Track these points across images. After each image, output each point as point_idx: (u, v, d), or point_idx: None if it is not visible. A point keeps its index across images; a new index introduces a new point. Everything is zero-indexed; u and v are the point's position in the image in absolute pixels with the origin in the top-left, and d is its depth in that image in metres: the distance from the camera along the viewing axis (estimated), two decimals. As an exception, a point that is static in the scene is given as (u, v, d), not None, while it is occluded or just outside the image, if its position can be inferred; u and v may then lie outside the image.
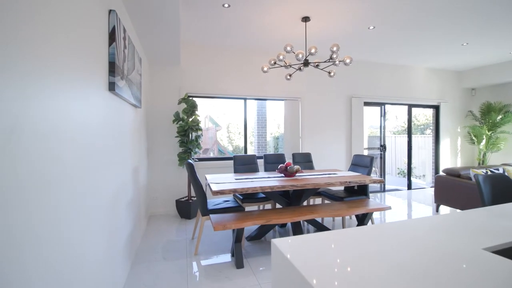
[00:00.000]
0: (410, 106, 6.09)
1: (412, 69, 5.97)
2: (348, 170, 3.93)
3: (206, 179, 3.15)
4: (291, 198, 3.16)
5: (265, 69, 3.58)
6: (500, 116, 5.79)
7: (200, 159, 4.45)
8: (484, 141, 5.88)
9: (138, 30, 3.02)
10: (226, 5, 3.19)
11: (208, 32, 3.96)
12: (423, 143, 7.53)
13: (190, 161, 2.80)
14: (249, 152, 5.03)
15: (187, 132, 3.86)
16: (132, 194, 2.70)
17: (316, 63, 3.56)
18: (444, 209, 4.42)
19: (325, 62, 3.44)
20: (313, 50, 3.10)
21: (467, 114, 6.48)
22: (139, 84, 3.01)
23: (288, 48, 3.12)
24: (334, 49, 3.11)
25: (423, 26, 3.87)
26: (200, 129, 3.98)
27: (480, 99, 6.44)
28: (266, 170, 3.97)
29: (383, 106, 5.81)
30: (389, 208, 3.05)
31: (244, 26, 3.75)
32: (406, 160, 6.29)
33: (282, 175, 3.29)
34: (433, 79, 6.16)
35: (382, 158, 5.87)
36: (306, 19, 3.51)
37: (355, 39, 4.21)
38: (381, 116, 5.83)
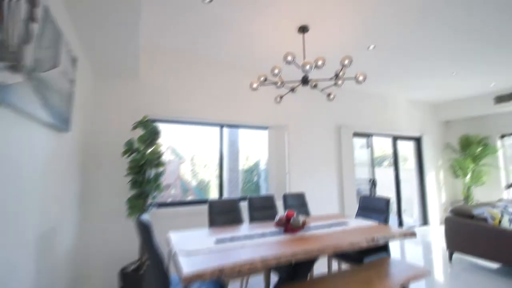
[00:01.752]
0: (395, 138, 5.75)
1: (395, 100, 5.73)
2: (356, 216, 3.12)
3: (170, 241, 2.04)
4: (297, 268, 2.18)
5: (255, 86, 2.77)
6: (480, 148, 5.71)
7: (161, 204, 3.29)
8: (469, 175, 5.67)
9: (77, 20, 2.03)
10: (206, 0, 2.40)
11: (179, 36, 3.08)
12: (405, 176, 7.22)
13: (144, 218, 1.70)
14: (217, 190, 4.00)
15: (143, 168, 2.75)
16: (32, 281, 1.50)
17: (314, 83, 2.87)
18: (459, 257, 3.78)
19: (331, 79, 2.75)
20: (320, 63, 2.40)
21: (446, 146, 6.37)
22: (68, 95, 1.95)
23: (289, 58, 2.38)
24: (346, 62, 2.44)
25: (416, 53, 3.55)
26: (162, 164, 2.90)
27: (455, 132, 6.42)
28: (252, 219, 2.96)
29: (370, 137, 5.34)
30: (428, 273, 2.24)
31: (226, 31, 2.97)
32: (394, 195, 5.78)
33: (281, 229, 2.33)
34: (414, 111, 5.99)
35: (373, 195, 5.26)
36: (303, 29, 2.86)
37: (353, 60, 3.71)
38: (367, 147, 5.34)
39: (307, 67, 2.31)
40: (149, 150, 2.83)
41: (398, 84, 4.88)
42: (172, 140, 6.34)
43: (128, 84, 3.24)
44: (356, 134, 5.07)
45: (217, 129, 3.88)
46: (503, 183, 5.64)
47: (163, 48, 3.38)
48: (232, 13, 2.61)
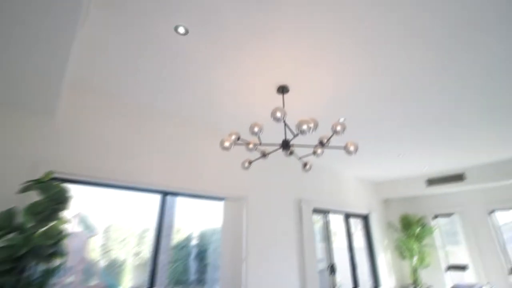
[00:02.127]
0: (347, 215, 5.56)
1: (346, 176, 5.78)
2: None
3: None
4: None
5: (227, 144, 2.14)
6: (419, 228, 5.91)
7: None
8: (416, 256, 5.65)
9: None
10: (181, 30, 1.87)
11: (128, 73, 2.38)
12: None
13: None
14: (143, 274, 2.77)
15: (22, 261, 1.58)
16: None
17: (291, 150, 2.42)
18: None
19: (316, 146, 2.33)
20: (307, 126, 1.96)
21: (388, 225, 6.48)
22: None
23: (279, 115, 1.89)
24: (338, 128, 2.09)
25: (373, 133, 3.67)
26: (62, 255, 1.76)
27: (395, 210, 6.70)
28: None
29: (327, 214, 5.00)
30: None
31: (193, 77, 2.42)
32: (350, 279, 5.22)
33: None
34: (361, 188, 6.11)
35: (332, 283, 4.59)
36: (283, 89, 2.55)
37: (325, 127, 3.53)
38: (326, 227, 4.92)
39: (304, 127, 1.85)
40: (43, 229, 1.71)
41: (350, 160, 4.93)
42: (83, 205, 4.79)
43: (35, 121, 2.21)
44: (316, 211, 4.66)
45: (158, 196, 2.92)
46: (443, 264, 5.77)
47: (102, 87, 2.58)
48: (205, 54, 2.13)
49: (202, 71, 2.33)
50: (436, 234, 5.95)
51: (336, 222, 5.44)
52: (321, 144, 2.34)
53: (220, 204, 3.51)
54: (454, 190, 5.77)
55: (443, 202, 6.09)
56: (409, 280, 5.92)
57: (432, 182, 5.82)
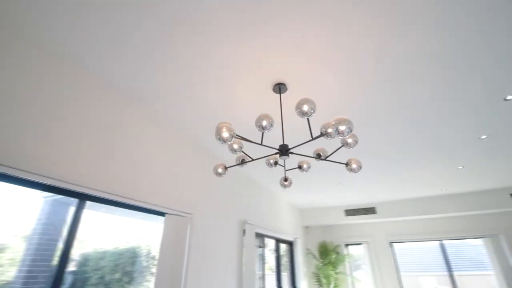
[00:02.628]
0: (277, 241, 5.35)
1: (282, 200, 5.65)
2: None
3: None
4: None
5: (220, 170, 1.63)
6: (334, 256, 6.25)
7: None
8: (332, 284, 5.86)
9: None
10: None
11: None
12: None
13: None
14: None
15: None
16: None
17: (284, 159, 2.01)
18: None
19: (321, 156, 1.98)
20: (329, 130, 1.64)
21: (307, 252, 6.63)
22: None
23: (265, 123, 1.54)
24: (349, 141, 1.82)
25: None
26: None
27: (314, 238, 6.96)
28: None
29: (263, 239, 4.63)
30: None
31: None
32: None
33: None
34: (290, 213, 6.09)
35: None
36: (280, 87, 2.16)
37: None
38: (262, 252, 4.52)
39: (305, 107, 1.46)
40: None
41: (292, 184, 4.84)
42: None
43: None
44: (257, 235, 4.23)
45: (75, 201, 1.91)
46: (351, 291, 6.20)
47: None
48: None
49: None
50: (347, 261, 6.42)
51: (269, 247, 5.13)
52: (319, 156, 2.03)
53: (145, 221, 2.66)
54: (366, 221, 6.46)
55: (355, 232, 6.73)
56: (322, 308, 6.06)
57: (349, 212, 6.38)
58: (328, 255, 6.23)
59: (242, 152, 1.95)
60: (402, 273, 5.98)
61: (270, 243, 5.15)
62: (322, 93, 2.27)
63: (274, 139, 3.07)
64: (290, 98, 2.30)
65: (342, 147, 1.89)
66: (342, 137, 1.41)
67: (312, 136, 1.62)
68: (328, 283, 5.85)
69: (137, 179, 2.28)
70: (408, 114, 2.64)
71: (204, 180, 3.17)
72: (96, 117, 2.07)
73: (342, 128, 1.40)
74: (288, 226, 5.72)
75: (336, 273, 5.98)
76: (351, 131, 1.38)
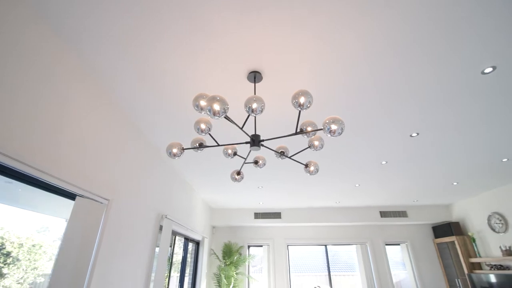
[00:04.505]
0: (186, 239, 5.01)
1: (197, 197, 5.33)
2: None
3: None
4: None
5: (175, 150, 1.40)
6: (236, 256, 6.36)
7: None
8: (232, 284, 5.88)
9: None
10: None
11: None
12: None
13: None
14: None
15: None
16: None
17: (249, 154, 1.91)
18: None
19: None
20: (309, 128, 1.66)
21: (211, 252, 6.50)
22: None
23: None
24: (334, 128, 1.87)
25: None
26: None
27: (218, 238, 6.90)
28: None
29: (174, 237, 4.22)
30: None
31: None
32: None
33: None
34: (202, 212, 5.84)
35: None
36: (256, 76, 2.04)
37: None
38: (172, 251, 4.09)
39: (302, 99, 1.45)
40: None
41: (211, 179, 4.67)
42: None
43: None
44: (172, 233, 3.80)
45: None
46: (246, 291, 6.41)
47: None
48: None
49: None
50: (247, 262, 6.64)
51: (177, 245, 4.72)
52: (282, 153, 2.00)
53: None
54: (271, 225, 6.89)
55: (260, 234, 7.06)
56: (217, 309, 6.00)
57: (258, 215, 6.67)
58: (231, 255, 6.28)
59: (209, 134, 1.70)
60: (292, 273, 6.66)
61: (179, 241, 4.75)
62: (299, 85, 2.19)
63: (240, 132, 2.84)
64: (265, 88, 2.20)
65: (307, 149, 1.92)
66: (332, 136, 1.42)
67: (297, 130, 1.57)
68: (229, 284, 5.87)
69: (40, 141, 1.64)
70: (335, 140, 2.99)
71: (127, 164, 2.62)
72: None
73: (334, 127, 1.41)
74: (199, 225, 5.45)
75: (236, 273, 6.08)
76: (342, 131, 1.42)
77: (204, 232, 5.86)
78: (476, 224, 5.85)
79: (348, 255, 7.05)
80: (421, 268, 6.56)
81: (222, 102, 1.31)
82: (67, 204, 1.99)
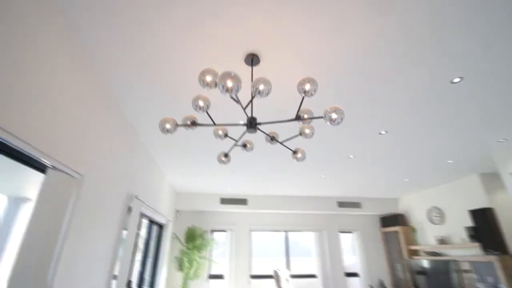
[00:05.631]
0: (151, 222, 4.84)
1: (166, 180, 5.15)
2: None
3: None
4: None
5: (168, 126, 1.29)
6: (200, 241, 6.34)
7: None
8: (193, 268, 5.87)
9: None
10: None
11: None
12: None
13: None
14: None
15: None
16: None
17: (243, 140, 1.92)
18: None
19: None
20: (305, 116, 1.72)
21: (174, 236, 6.38)
22: None
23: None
24: (335, 117, 1.91)
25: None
26: None
27: (182, 222, 6.79)
28: None
29: (141, 219, 4.04)
30: None
31: None
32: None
33: None
34: (168, 195, 5.67)
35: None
36: (253, 59, 2.02)
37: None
38: (137, 234, 3.92)
39: (307, 86, 1.49)
40: None
41: (184, 161, 4.55)
42: None
43: None
44: (141, 215, 3.64)
45: None
46: (207, 274, 6.47)
47: None
48: None
49: None
50: (211, 247, 6.68)
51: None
52: (272, 138, 2.04)
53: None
54: (236, 211, 6.99)
55: (224, 220, 7.12)
56: (177, 292, 5.98)
57: (224, 201, 6.71)
58: (194, 240, 6.25)
59: (207, 112, 1.66)
60: (253, 257, 6.89)
61: (144, 224, 4.58)
62: (298, 68, 2.15)
63: (236, 115, 2.79)
64: (262, 72, 2.18)
65: (299, 136, 1.99)
66: (332, 124, 1.49)
67: (297, 117, 1.61)
68: (191, 267, 5.86)
69: (6, 100, 1.42)
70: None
71: (99, 138, 2.42)
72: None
73: (335, 116, 1.48)
74: (164, 208, 5.30)
75: (199, 257, 6.09)
76: (342, 121, 1.49)
77: (169, 216, 5.72)
78: (418, 216, 6.64)
79: (306, 241, 7.51)
80: (368, 254, 7.28)
81: (236, 79, 1.29)
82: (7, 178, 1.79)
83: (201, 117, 2.42)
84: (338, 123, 1.50)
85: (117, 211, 2.88)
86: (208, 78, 1.40)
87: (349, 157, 4.23)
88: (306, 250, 7.42)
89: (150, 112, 2.88)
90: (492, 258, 4.42)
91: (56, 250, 1.79)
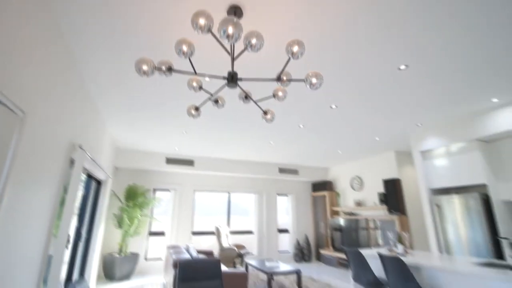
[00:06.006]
0: (90, 178, 4.46)
1: (107, 132, 4.68)
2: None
3: None
4: None
5: (145, 68, 1.26)
6: (142, 199, 6.18)
7: None
8: (134, 225, 5.74)
9: None
10: None
11: None
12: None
13: None
14: None
15: None
16: None
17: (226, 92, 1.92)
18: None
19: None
20: (284, 78, 1.83)
21: (112, 194, 6.03)
22: None
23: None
24: (314, 81, 2.04)
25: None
26: None
27: (121, 180, 6.43)
28: None
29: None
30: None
31: None
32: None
33: None
34: (108, 150, 5.22)
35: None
36: (236, 10, 1.96)
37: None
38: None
39: (295, 48, 1.54)
40: None
41: (129, 114, 4.23)
42: None
43: None
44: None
45: None
46: (147, 231, 6.44)
47: None
48: None
49: None
50: (152, 205, 6.57)
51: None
52: (246, 97, 2.10)
53: None
54: (182, 171, 6.91)
55: (168, 179, 6.99)
56: (115, 247, 5.82)
57: (170, 161, 6.55)
58: (135, 198, 6.05)
59: (189, 59, 1.59)
60: (195, 216, 7.10)
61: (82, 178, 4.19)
62: (283, 22, 2.08)
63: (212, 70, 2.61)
64: (245, 26, 2.11)
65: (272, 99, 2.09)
66: (312, 89, 1.62)
67: (278, 77, 1.69)
68: (132, 224, 5.72)
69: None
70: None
71: (44, 74, 2.06)
72: None
73: (315, 81, 1.62)
74: (104, 163, 4.90)
75: (141, 215, 5.97)
76: (320, 86, 1.64)
77: (108, 172, 5.33)
78: (342, 183, 7.76)
79: (246, 202, 8.04)
80: (299, 214, 8.29)
81: (239, 27, 1.26)
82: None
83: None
84: (317, 88, 1.65)
85: (59, 162, 2.57)
86: (202, 22, 1.33)
87: (299, 127, 4.58)
88: (246, 210, 7.98)
89: (100, 55, 2.53)
90: (394, 218, 5.60)
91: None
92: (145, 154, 6.35)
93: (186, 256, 4.06)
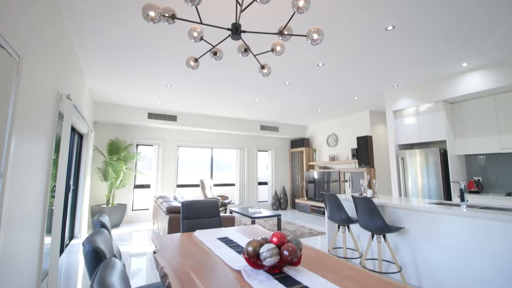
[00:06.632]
0: (73, 131, 4.37)
1: (87, 83, 4.46)
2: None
3: None
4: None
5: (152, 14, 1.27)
6: (124, 153, 6.21)
7: None
8: (120, 178, 5.85)
9: None
10: None
11: None
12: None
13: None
14: None
15: None
16: None
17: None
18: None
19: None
20: (285, 32, 1.93)
21: (94, 148, 5.97)
22: None
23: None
24: (316, 37, 2.16)
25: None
26: None
27: (103, 134, 6.31)
28: None
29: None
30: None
31: None
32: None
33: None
34: (89, 103, 5.03)
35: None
36: (238, -41, 1.91)
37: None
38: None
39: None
40: None
41: (107, 65, 4.06)
42: None
43: None
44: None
45: None
46: (133, 184, 6.60)
47: None
48: None
49: None
50: (136, 159, 6.64)
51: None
52: (245, 50, 2.17)
53: None
54: (164, 126, 6.89)
55: (151, 135, 6.96)
56: (103, 200, 5.97)
57: (152, 116, 6.46)
58: (118, 152, 6.05)
59: (196, 7, 1.61)
60: (179, 170, 7.32)
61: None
62: None
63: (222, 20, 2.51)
64: None
65: (269, 53, 2.17)
66: (313, 44, 1.73)
67: (280, 32, 1.77)
68: (118, 177, 5.82)
69: None
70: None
71: (34, 19, 1.93)
72: None
73: (316, 37, 1.73)
74: (86, 115, 4.76)
75: (126, 168, 6.05)
76: (320, 42, 1.76)
77: (89, 125, 5.20)
78: (319, 140, 8.26)
79: (228, 157, 8.35)
80: (277, 168, 8.84)
81: None
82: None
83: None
84: (317, 44, 1.77)
85: (50, 111, 2.53)
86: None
87: (285, 84, 4.70)
88: (228, 165, 8.34)
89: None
90: (363, 170, 6.25)
91: (4, 150, 1.62)
92: (126, 108, 6.18)
93: (176, 204, 4.36)
